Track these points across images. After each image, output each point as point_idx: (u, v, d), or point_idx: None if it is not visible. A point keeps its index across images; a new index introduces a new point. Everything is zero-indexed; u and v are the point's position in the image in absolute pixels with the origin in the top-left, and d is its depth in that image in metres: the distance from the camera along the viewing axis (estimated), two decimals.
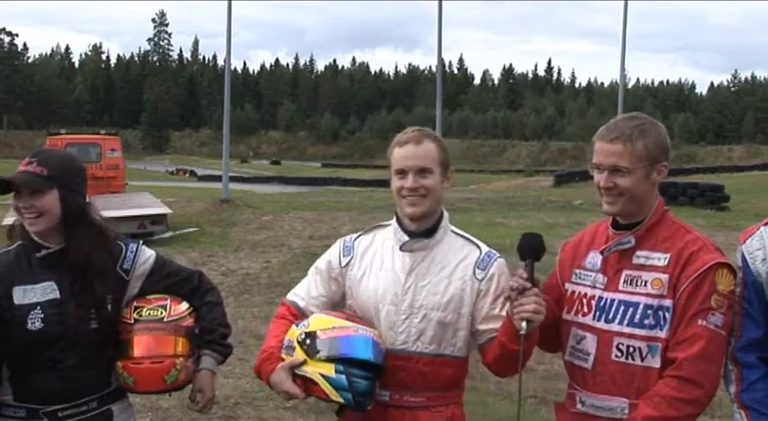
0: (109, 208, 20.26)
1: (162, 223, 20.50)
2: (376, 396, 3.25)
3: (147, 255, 3.50)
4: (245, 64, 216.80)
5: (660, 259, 3.06)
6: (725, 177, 53.29)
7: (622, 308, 3.06)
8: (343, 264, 3.47)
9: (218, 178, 40.36)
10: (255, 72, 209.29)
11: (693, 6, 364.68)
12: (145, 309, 3.38)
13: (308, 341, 3.20)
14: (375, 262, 3.42)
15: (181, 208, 25.91)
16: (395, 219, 3.45)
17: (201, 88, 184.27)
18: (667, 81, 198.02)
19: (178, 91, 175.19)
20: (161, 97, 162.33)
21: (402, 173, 3.31)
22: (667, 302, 3.02)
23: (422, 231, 3.36)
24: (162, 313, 3.37)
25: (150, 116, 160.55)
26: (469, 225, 19.57)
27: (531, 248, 3.10)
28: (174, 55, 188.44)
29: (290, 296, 3.57)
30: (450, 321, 3.31)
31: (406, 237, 3.36)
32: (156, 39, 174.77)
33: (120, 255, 3.42)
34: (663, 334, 3.01)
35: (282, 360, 3.27)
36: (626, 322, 3.05)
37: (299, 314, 3.45)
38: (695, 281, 2.99)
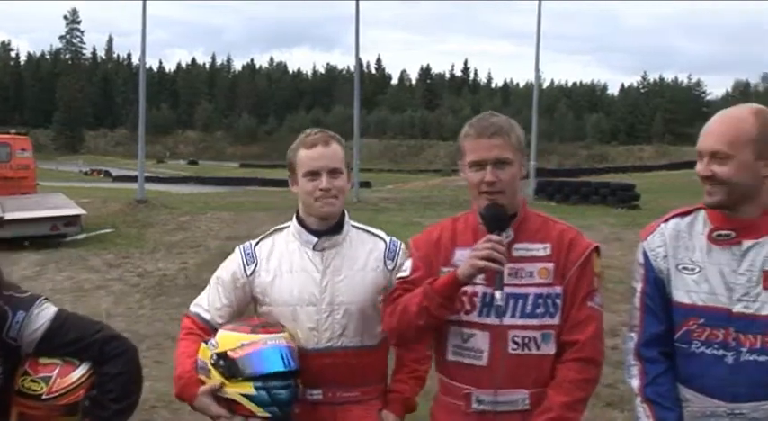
0: (21, 209, 19.86)
1: (76, 224, 20.08)
2: (308, 395, 3.33)
3: (38, 324, 3.25)
4: (160, 63, 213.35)
5: (540, 249, 3.10)
6: (636, 176, 54.63)
7: (512, 301, 3.07)
8: (248, 272, 3.46)
9: (133, 178, 39.78)
10: (172, 71, 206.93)
11: (606, 8, 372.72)
12: (27, 380, 3.21)
13: (221, 362, 3.21)
14: (284, 265, 3.43)
15: (95, 209, 25.46)
16: (295, 220, 3.48)
17: (116, 87, 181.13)
18: (581, 82, 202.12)
19: (92, 90, 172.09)
20: (74, 96, 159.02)
21: (314, 174, 3.34)
22: (558, 289, 3.08)
23: (328, 229, 3.42)
24: (42, 389, 3.19)
25: (63, 115, 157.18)
26: (388, 225, 19.66)
27: (494, 219, 3.07)
28: (88, 53, 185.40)
29: (194, 308, 3.54)
30: (370, 313, 3.38)
31: (313, 239, 3.40)
32: (68, 36, 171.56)
33: (4, 324, 3.20)
34: (555, 321, 3.08)
35: (201, 381, 3.27)
36: (518, 314, 3.08)
37: (206, 326, 3.44)
38: (581, 266, 3.10)
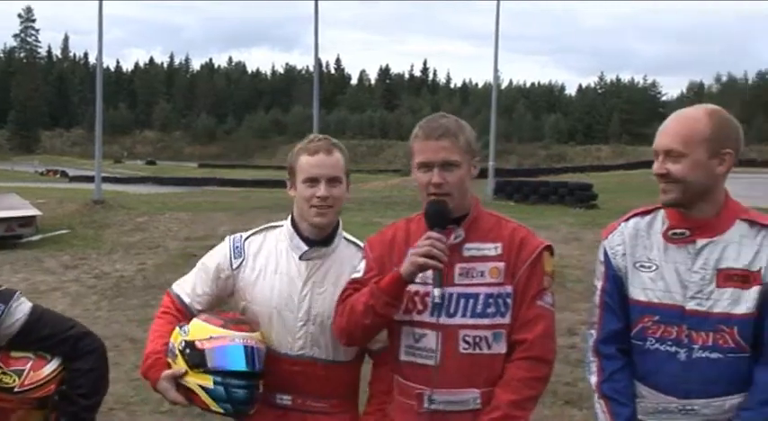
0: None
1: (31, 225, 19.89)
2: (278, 400, 3.35)
3: (16, 318, 3.28)
4: (117, 62, 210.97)
5: (491, 249, 3.12)
6: (593, 176, 55.03)
7: (462, 301, 3.09)
8: (234, 266, 3.46)
9: (90, 179, 39.29)
10: (129, 71, 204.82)
11: (564, 8, 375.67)
12: None
13: (187, 350, 3.23)
14: (269, 265, 3.43)
15: (51, 209, 25.15)
16: (290, 222, 3.47)
17: (73, 87, 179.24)
18: (539, 82, 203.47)
19: (48, 89, 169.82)
20: (29, 95, 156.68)
21: (313, 181, 3.32)
22: (508, 289, 3.10)
23: (320, 239, 3.41)
24: (14, 382, 3.22)
25: (18, 115, 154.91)
26: (347, 225, 19.50)
27: (437, 215, 3.09)
28: (43, 52, 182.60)
29: (177, 289, 3.56)
30: None
31: (303, 246, 3.40)
32: (22, 35, 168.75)
33: None
34: (506, 320, 3.10)
35: (169, 364, 3.29)
36: (468, 314, 3.09)
37: (184, 309, 3.47)
38: (531, 265, 3.12)
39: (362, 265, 3.26)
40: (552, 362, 3.16)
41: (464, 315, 3.08)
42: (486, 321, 3.08)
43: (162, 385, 3.29)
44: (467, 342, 3.08)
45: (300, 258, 3.39)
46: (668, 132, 2.97)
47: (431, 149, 3.09)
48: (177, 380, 3.26)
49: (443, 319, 3.07)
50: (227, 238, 3.57)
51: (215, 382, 3.17)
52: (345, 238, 3.51)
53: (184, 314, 3.45)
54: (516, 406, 3.04)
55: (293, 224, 3.45)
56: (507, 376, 3.08)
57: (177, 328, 3.34)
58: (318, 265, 3.40)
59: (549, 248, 3.20)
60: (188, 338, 3.25)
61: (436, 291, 3.02)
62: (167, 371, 3.28)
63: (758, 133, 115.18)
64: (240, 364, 3.18)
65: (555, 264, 3.23)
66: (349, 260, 3.42)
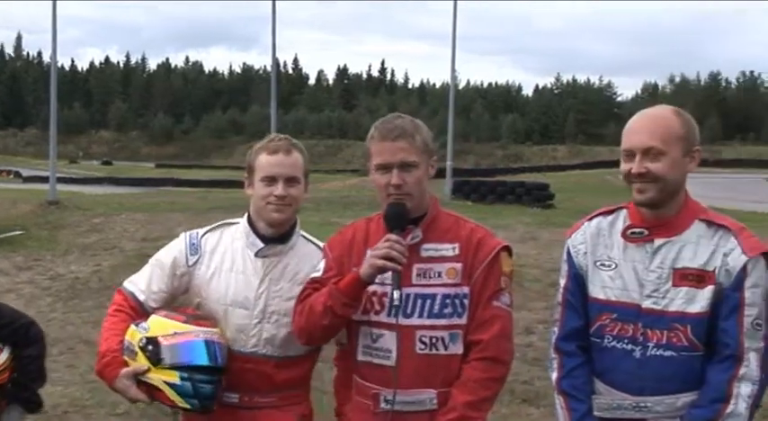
0: None
1: None
2: (224, 398, 3.31)
3: None
4: (72, 62, 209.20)
5: (449, 249, 3.13)
6: (550, 176, 55.60)
7: (420, 301, 3.10)
8: (190, 262, 3.44)
9: (44, 179, 38.81)
10: (85, 70, 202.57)
11: (521, 9, 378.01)
12: None
13: (149, 347, 3.20)
14: (225, 262, 3.42)
15: (4, 210, 24.79)
16: (246, 219, 3.45)
17: (26, 86, 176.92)
18: (496, 83, 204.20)
19: (0, 88, 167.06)
20: None
21: (271, 180, 3.32)
22: (465, 289, 3.11)
23: (277, 237, 3.40)
24: None
25: None
26: (305, 225, 19.40)
27: (396, 217, 3.09)
28: None
29: (129, 285, 3.51)
30: None
31: (260, 243, 3.39)
32: None
33: None
34: (462, 320, 3.11)
35: (125, 362, 3.25)
36: (426, 314, 3.10)
37: (138, 307, 3.42)
38: (488, 265, 3.14)
39: (322, 265, 3.26)
40: (509, 363, 3.18)
41: (421, 315, 3.09)
42: (443, 322, 3.09)
43: (121, 383, 3.24)
44: (423, 342, 3.09)
45: (257, 255, 3.38)
46: (644, 130, 2.98)
47: (388, 151, 3.09)
48: (138, 378, 3.22)
49: (401, 320, 3.07)
50: (182, 235, 3.55)
51: (181, 378, 3.16)
52: (303, 236, 3.51)
53: (138, 312, 3.41)
54: (472, 406, 3.06)
55: (249, 222, 3.44)
56: (463, 377, 3.09)
57: (133, 326, 3.30)
58: (275, 263, 3.39)
59: (507, 249, 3.21)
60: (149, 335, 3.22)
61: (395, 294, 3.02)
62: (127, 369, 3.24)
63: (710, 133, 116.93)
64: (206, 359, 3.17)
65: (512, 264, 3.25)
66: (307, 258, 3.42)
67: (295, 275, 3.38)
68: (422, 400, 3.11)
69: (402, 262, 3.00)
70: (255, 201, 3.39)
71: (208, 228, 3.54)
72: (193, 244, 3.47)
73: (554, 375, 3.21)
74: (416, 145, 3.11)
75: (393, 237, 3.02)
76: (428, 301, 3.10)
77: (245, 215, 3.48)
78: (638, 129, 3.00)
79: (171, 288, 3.47)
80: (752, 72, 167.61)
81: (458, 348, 3.12)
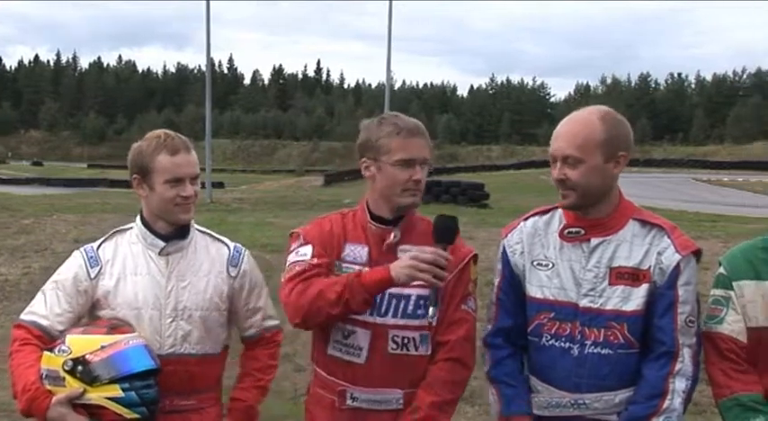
0: None
1: None
2: None
3: None
4: (0, 59, 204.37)
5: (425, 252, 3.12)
6: (485, 176, 56.00)
7: (394, 301, 3.11)
8: (92, 275, 3.33)
9: None
10: (13, 68, 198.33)
11: (456, 10, 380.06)
12: None
13: (79, 368, 3.07)
14: (128, 266, 3.34)
15: None
16: (140, 222, 3.39)
17: None
18: (431, 83, 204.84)
19: None
20: None
21: (178, 181, 3.25)
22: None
23: (175, 233, 3.35)
24: None
25: None
26: (241, 225, 19.47)
27: (447, 231, 3.06)
28: None
29: (29, 316, 3.34)
30: (215, 319, 3.36)
31: (160, 242, 3.33)
32: None
33: None
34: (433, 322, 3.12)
35: (50, 392, 3.10)
36: (399, 314, 3.12)
37: (43, 335, 3.25)
38: (460, 270, 3.17)
39: (308, 249, 3.18)
40: (472, 367, 3.22)
41: (395, 315, 3.11)
42: (415, 322, 3.11)
43: (57, 411, 3.06)
44: (395, 342, 3.11)
45: (160, 254, 3.34)
46: (563, 138, 3.02)
47: (415, 147, 3.12)
48: (74, 402, 3.07)
49: (375, 318, 3.09)
50: (75, 252, 3.44)
51: (123, 389, 3.06)
52: (199, 230, 3.48)
53: (45, 340, 3.24)
54: (438, 407, 3.09)
55: (145, 224, 3.37)
56: (430, 377, 3.12)
57: (47, 352, 3.14)
58: (178, 259, 3.35)
59: (475, 256, 3.25)
60: (73, 356, 3.08)
61: (430, 310, 3.00)
62: (60, 396, 3.06)
63: (641, 134, 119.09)
64: (146, 363, 3.10)
65: (477, 271, 3.27)
66: (206, 250, 3.41)
67: (199, 269, 3.36)
68: (388, 400, 3.13)
69: (443, 278, 2.97)
70: (158, 203, 3.29)
71: (101, 239, 3.45)
72: (92, 257, 3.37)
73: (485, 368, 3.26)
74: (430, 144, 3.19)
75: (442, 252, 2.96)
76: (402, 301, 3.11)
77: (138, 218, 3.41)
78: (559, 135, 3.04)
79: (76, 307, 3.32)
80: (679, 74, 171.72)
81: (426, 350, 3.15)
